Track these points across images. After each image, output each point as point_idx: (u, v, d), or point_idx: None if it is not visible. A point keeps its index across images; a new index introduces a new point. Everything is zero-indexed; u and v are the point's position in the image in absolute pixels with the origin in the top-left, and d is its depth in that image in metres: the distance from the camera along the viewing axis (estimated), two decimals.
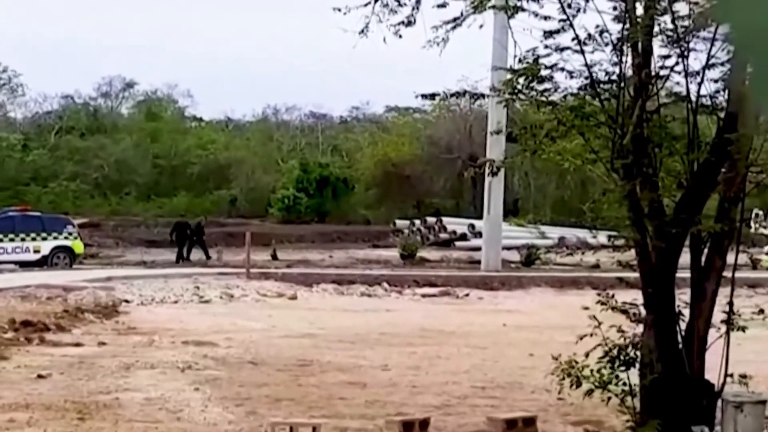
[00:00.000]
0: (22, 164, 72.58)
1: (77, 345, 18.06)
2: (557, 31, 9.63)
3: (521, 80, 9.80)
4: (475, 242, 45.47)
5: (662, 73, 9.52)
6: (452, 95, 11.41)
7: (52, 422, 10.85)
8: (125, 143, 75.11)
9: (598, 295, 10.00)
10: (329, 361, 16.44)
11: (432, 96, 11.51)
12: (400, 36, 10.35)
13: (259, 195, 71.54)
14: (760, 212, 37.15)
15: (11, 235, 39.62)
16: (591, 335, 9.58)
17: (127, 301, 26.13)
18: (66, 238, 40.76)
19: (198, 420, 11.19)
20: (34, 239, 39.93)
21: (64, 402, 12.06)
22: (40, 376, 14.05)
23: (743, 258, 9.40)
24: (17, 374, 14.36)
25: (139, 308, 25.51)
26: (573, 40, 9.52)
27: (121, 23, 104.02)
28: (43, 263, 38.87)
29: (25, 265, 38.32)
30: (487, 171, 11.10)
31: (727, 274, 9.67)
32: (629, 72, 9.41)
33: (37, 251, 39.73)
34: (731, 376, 9.76)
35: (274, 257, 47.43)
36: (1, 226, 39.91)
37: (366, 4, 10.22)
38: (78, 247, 41.17)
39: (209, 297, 28.41)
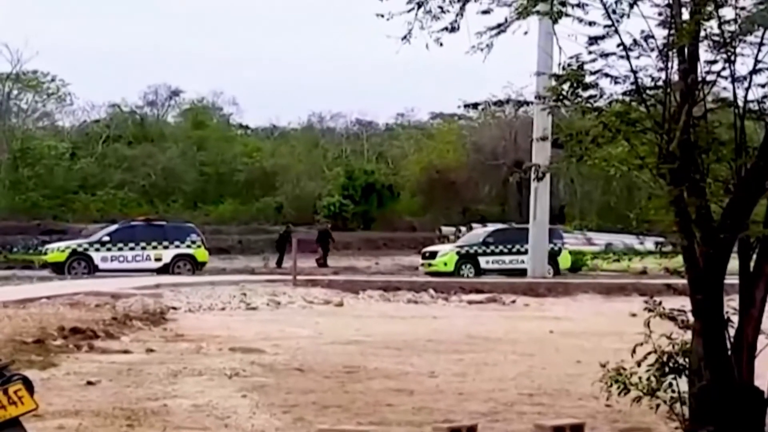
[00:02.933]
0: (70, 172, 73.22)
1: (125, 352, 18.19)
2: (602, 37, 9.58)
3: (566, 86, 9.76)
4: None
5: (709, 78, 9.46)
6: (495, 103, 11.45)
7: (101, 429, 10.93)
8: (172, 151, 75.60)
9: (646, 302, 9.94)
10: (376, 368, 16.46)
11: (476, 105, 11.54)
12: (441, 44, 10.32)
13: (305, 202, 71.80)
14: None
15: (131, 244, 40.62)
16: (642, 344, 9.53)
17: (174, 308, 26.30)
18: (189, 246, 41.89)
19: (245, 427, 11.23)
20: (155, 247, 40.98)
21: (112, 409, 12.14)
22: (89, 383, 14.15)
23: None
24: (66, 381, 14.48)
25: (186, 315, 25.66)
26: (618, 45, 9.48)
27: (166, 32, 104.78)
28: (164, 271, 39.70)
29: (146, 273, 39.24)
30: (532, 176, 11.05)
31: None
32: (675, 77, 9.36)
33: (158, 259, 40.94)
34: None
35: (321, 264, 47.61)
36: (123, 235, 41.22)
37: (409, 11, 10.21)
38: (201, 255, 42.25)
39: (256, 304, 28.54)
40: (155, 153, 75.23)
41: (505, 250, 43.58)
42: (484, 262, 43.18)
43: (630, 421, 11.25)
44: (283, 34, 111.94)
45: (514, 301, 32.01)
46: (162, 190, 74.20)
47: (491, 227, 46.47)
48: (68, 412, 11.89)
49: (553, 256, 43.72)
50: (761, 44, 9.10)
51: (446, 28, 10.27)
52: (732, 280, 9.51)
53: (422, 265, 44.50)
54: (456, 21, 10.20)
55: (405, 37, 10.39)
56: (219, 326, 22.97)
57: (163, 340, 20.42)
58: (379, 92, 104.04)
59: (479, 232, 46.18)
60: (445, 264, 42.86)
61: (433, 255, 44.07)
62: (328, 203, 68.83)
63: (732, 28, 9.16)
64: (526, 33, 10.14)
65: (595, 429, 11.12)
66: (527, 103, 12.18)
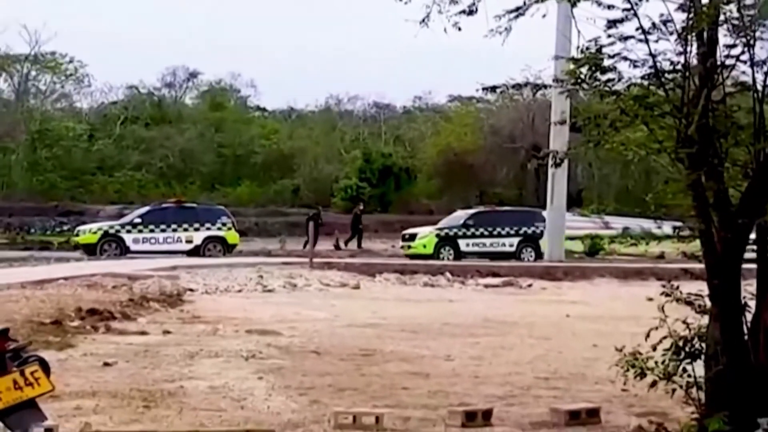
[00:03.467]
0: (88, 154, 73.43)
1: (142, 333, 18.23)
2: (621, 21, 9.54)
3: (584, 70, 9.73)
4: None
5: (728, 62, 9.41)
6: (514, 86, 11.37)
7: (118, 410, 10.96)
8: (189, 133, 75.74)
9: (663, 286, 9.91)
10: (392, 351, 16.47)
11: (494, 88, 11.46)
12: (459, 28, 10.29)
13: (322, 185, 71.89)
14: None
15: (163, 226, 41.03)
16: (657, 328, 9.51)
17: (191, 290, 26.38)
18: (219, 228, 42.33)
19: (261, 408, 11.25)
20: (186, 230, 41.51)
21: (129, 390, 12.18)
22: (106, 364, 14.20)
23: None
24: (84, 362, 14.53)
25: (203, 297, 25.72)
26: (637, 29, 9.43)
27: (185, 14, 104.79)
28: (195, 253, 40.06)
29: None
30: (550, 162, 11.02)
31: None
32: (694, 61, 9.31)
33: (189, 241, 41.40)
34: None
35: (337, 247, 47.66)
36: (154, 217, 41.72)
37: None
38: (232, 237, 42.71)
39: (273, 286, 28.59)
40: (173, 135, 75.38)
41: (486, 233, 43.14)
42: (464, 244, 42.76)
43: (646, 405, 11.24)
44: (301, 17, 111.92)
45: (530, 285, 32.00)
46: (179, 171, 74.38)
47: (473, 210, 45.90)
48: (85, 393, 11.93)
49: (534, 240, 43.35)
50: None
51: (464, 12, 10.24)
52: (750, 264, 9.48)
53: (402, 247, 44.22)
54: (474, 4, 10.17)
55: (423, 20, 10.37)
56: (235, 308, 23.01)
57: (180, 321, 20.47)
58: (397, 75, 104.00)
59: (460, 214, 45.58)
60: (425, 246, 42.48)
61: (412, 237, 43.66)
62: (345, 186, 68.86)
63: (751, 12, 9.11)
64: (544, 16, 10.10)
65: (611, 413, 11.10)
66: (545, 86, 12.09)
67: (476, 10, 10.19)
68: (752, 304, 9.47)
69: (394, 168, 71.22)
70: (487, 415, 10.67)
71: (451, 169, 70.15)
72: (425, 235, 43.25)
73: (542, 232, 43.50)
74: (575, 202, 56.10)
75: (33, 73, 77.14)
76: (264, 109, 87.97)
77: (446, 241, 42.83)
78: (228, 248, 41.91)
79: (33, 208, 62.45)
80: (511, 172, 69.28)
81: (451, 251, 42.39)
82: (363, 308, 23.79)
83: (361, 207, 51.94)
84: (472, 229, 43.19)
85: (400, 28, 10.68)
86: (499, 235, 43.13)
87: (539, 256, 42.57)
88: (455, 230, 43.29)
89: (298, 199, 70.89)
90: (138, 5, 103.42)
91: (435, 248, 42.35)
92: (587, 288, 31.89)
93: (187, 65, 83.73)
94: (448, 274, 32.97)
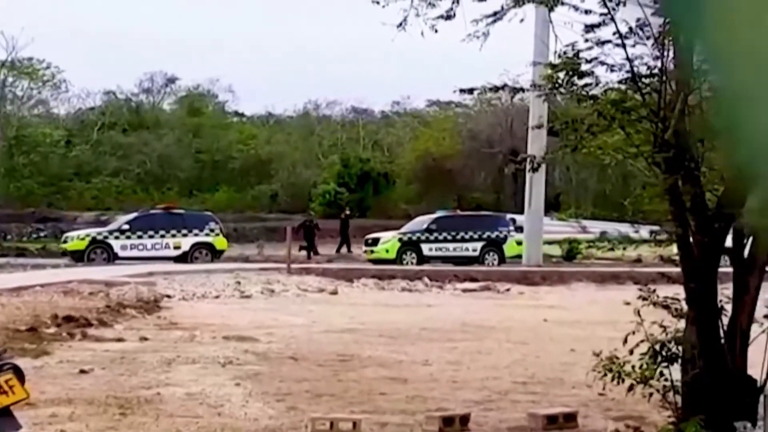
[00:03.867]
0: (66, 160, 73.09)
1: (119, 340, 18.16)
2: (598, 25, 9.57)
3: (561, 75, 9.75)
4: None
5: (704, 66, 9.44)
6: (491, 89, 11.38)
7: (94, 417, 10.91)
8: (167, 138, 75.51)
9: (640, 290, 9.93)
10: (370, 356, 16.45)
11: (470, 90, 11.48)
12: (436, 31, 10.30)
13: (300, 190, 71.73)
14: None
15: (151, 232, 40.92)
16: (634, 332, 9.52)
17: (168, 297, 26.27)
18: (207, 234, 42.28)
19: (239, 415, 11.21)
20: (174, 236, 41.39)
21: (105, 397, 12.12)
22: (82, 371, 14.13)
23: None
24: (59, 369, 14.46)
25: (180, 303, 25.63)
26: (614, 34, 9.46)
27: (162, 19, 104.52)
28: (183, 259, 39.96)
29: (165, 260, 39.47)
30: (527, 167, 11.04)
31: None
32: (671, 66, 9.33)
33: (177, 247, 41.32)
34: None
35: (315, 252, 47.57)
36: (142, 223, 41.62)
37: None
38: (220, 243, 42.65)
39: (250, 292, 28.51)
40: (151, 140, 75.13)
41: (449, 238, 42.96)
42: (426, 249, 42.59)
43: (623, 409, 11.25)
44: (279, 22, 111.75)
45: (508, 290, 32.01)
46: (157, 177, 74.13)
47: (436, 214, 45.75)
48: (61, 400, 11.87)
49: (498, 244, 43.21)
50: None
51: (442, 16, 10.25)
52: (726, 268, 9.50)
53: (365, 251, 44.12)
54: (452, 8, 10.19)
55: (401, 24, 10.37)
56: (213, 314, 22.95)
57: (157, 328, 20.39)
58: (375, 80, 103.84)
59: (423, 219, 45.37)
60: (387, 251, 42.30)
61: (375, 242, 43.36)
62: (324, 191, 68.76)
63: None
64: (522, 21, 10.13)
65: (588, 417, 11.11)
66: (522, 89, 12.11)
67: (454, 14, 10.21)
68: (729, 307, 9.49)
69: (373, 173, 71.18)
70: (465, 420, 10.67)
71: (430, 173, 70.14)
72: (388, 240, 43.08)
73: (506, 236, 43.44)
74: (553, 206, 56.13)
75: (10, 79, 76.75)
76: (242, 115, 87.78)
77: (409, 245, 42.70)
78: (216, 254, 41.87)
79: (10, 215, 62.12)
80: (489, 177, 69.31)
81: (414, 256, 42.28)
82: (341, 314, 23.75)
83: (348, 212, 51.76)
84: (435, 234, 43.04)
85: (378, 32, 10.67)
86: (463, 240, 43.03)
87: (503, 260, 42.48)
88: (418, 235, 43.16)
89: (276, 205, 70.74)
90: (116, 11, 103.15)
91: (398, 253, 42.21)
92: (565, 292, 31.93)
93: (164, 71, 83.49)
94: (426, 279, 32.95)
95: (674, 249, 9.79)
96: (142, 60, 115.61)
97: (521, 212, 45.23)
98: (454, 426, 10.46)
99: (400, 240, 42.86)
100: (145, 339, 18.35)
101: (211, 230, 42.41)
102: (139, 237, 41.22)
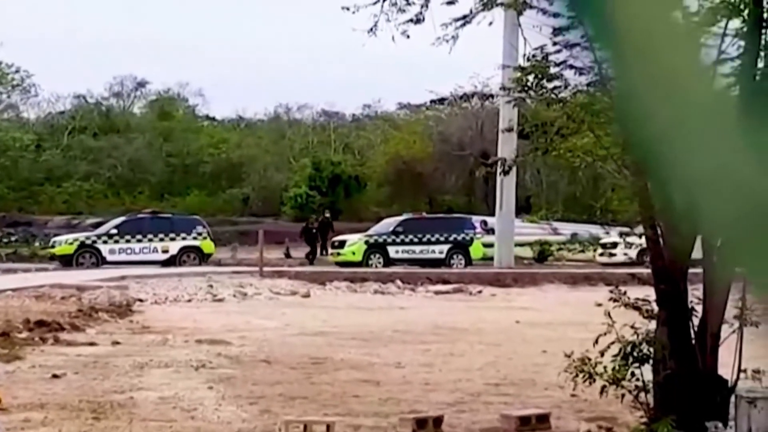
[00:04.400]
0: (36, 164, 72.74)
1: (91, 344, 18.11)
2: (567, 28, 9.60)
3: (531, 77, 9.80)
4: None
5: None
6: (461, 97, 11.50)
7: (67, 422, 10.89)
8: (138, 142, 75.27)
9: (611, 291, 9.99)
10: (342, 359, 16.47)
11: (442, 101, 11.54)
12: (408, 36, 10.36)
13: (272, 193, 71.65)
14: None
15: (139, 236, 40.99)
16: (605, 333, 9.57)
17: (141, 300, 26.21)
18: (195, 238, 42.33)
19: (212, 419, 11.22)
20: (162, 240, 41.48)
21: (78, 401, 12.10)
22: (54, 376, 14.09)
23: None
24: (32, 374, 14.41)
25: (152, 307, 25.58)
26: (582, 37, 9.49)
27: (132, 23, 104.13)
28: (171, 263, 39.93)
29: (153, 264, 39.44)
30: (498, 170, 11.09)
31: (740, 269, 9.65)
32: None
33: (165, 251, 41.37)
34: (744, 371, 9.76)
35: (288, 255, 47.54)
36: (130, 227, 41.64)
37: (375, 3, 10.25)
38: (208, 246, 42.69)
39: (223, 295, 28.48)
40: (121, 144, 74.89)
41: (416, 240, 42.97)
42: (393, 251, 42.60)
43: (595, 410, 11.31)
44: (249, 25, 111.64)
45: (480, 292, 32.09)
46: (128, 181, 73.90)
47: (402, 217, 45.77)
48: (34, 405, 11.83)
49: (464, 246, 43.17)
50: (724, 35, 9.15)
51: (412, 20, 10.31)
52: (696, 269, 9.57)
53: (331, 254, 44.12)
54: (421, 12, 10.25)
55: (371, 29, 10.42)
56: (185, 318, 22.92)
57: (130, 332, 20.35)
58: (346, 83, 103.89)
59: (389, 221, 45.34)
60: (353, 253, 42.27)
61: (342, 244, 43.35)
62: (295, 194, 68.70)
63: (695, 19, 9.20)
64: (491, 24, 10.20)
65: (561, 418, 11.17)
66: (492, 96, 12.21)
67: (423, 18, 10.27)
68: (699, 308, 9.56)
69: (344, 176, 71.18)
70: (438, 422, 10.70)
71: (401, 176, 70.21)
72: (354, 242, 43.04)
73: (472, 239, 43.46)
74: (524, 208, 56.29)
75: None
76: (213, 118, 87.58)
77: (375, 248, 42.69)
78: (204, 257, 41.86)
79: None
80: (460, 180, 69.43)
81: (381, 258, 42.29)
82: (313, 316, 23.76)
83: (327, 215, 51.63)
84: (402, 236, 43.03)
85: (348, 36, 10.71)
86: (429, 242, 43.05)
87: (469, 262, 42.51)
88: (384, 237, 43.15)
89: (248, 208, 70.62)
90: (85, 15, 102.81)
91: (364, 255, 42.20)
92: (536, 294, 32.03)
93: (134, 74, 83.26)
94: (398, 282, 33.00)
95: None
96: (111, 64, 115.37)
97: (492, 214, 45.33)
98: (427, 428, 10.49)
99: (366, 242, 42.85)
100: (118, 343, 18.31)
101: (199, 234, 42.46)
102: (128, 241, 41.24)
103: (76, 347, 17.63)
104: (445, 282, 33.45)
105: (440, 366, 15.81)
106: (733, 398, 9.53)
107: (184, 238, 41.71)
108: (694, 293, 9.64)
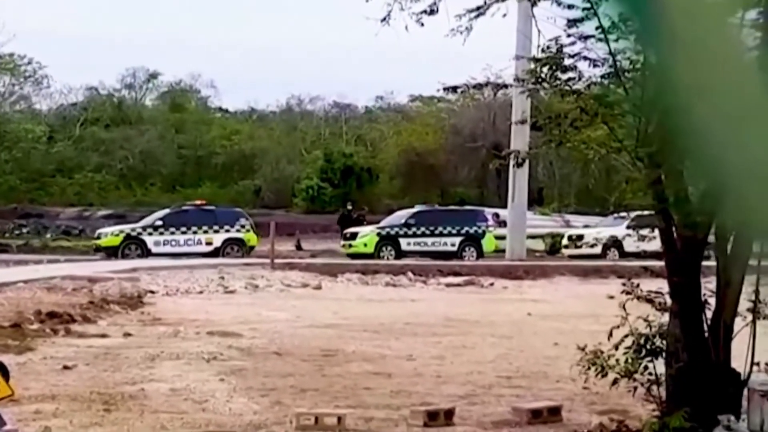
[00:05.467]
0: (48, 156, 72.85)
1: (103, 336, 18.12)
2: (581, 20, 9.57)
3: (545, 69, 9.75)
4: None
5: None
6: (475, 87, 11.42)
7: (78, 413, 10.89)
8: (150, 134, 75.34)
9: (623, 284, 9.95)
10: (354, 351, 16.45)
11: (455, 89, 11.50)
12: (422, 24, 10.32)
13: (284, 185, 71.65)
14: None
15: (183, 228, 41.25)
16: (618, 326, 9.53)
17: (152, 292, 26.23)
18: (238, 230, 42.54)
19: (223, 410, 11.21)
20: (206, 232, 41.75)
21: (89, 393, 12.10)
22: (65, 367, 14.10)
23: None
24: (43, 365, 14.42)
25: (164, 299, 25.60)
26: (597, 28, 9.46)
27: (144, 14, 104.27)
28: (215, 255, 40.09)
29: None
30: (511, 162, 11.05)
31: (753, 262, 9.62)
32: (653, 60, 9.34)
33: (209, 243, 41.68)
34: (757, 364, 9.71)
35: (299, 247, 47.55)
36: (175, 219, 41.95)
37: None
38: (251, 239, 42.68)
39: (234, 287, 28.49)
40: (133, 136, 74.95)
41: (428, 232, 42.93)
42: (405, 243, 42.53)
43: (607, 403, 11.28)
44: (261, 17, 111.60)
45: (492, 284, 32.04)
46: (140, 173, 73.98)
47: (414, 209, 45.76)
48: (45, 396, 11.84)
49: (476, 239, 43.15)
50: (741, 26, 9.08)
51: (426, 11, 10.26)
52: (710, 262, 9.53)
53: (343, 246, 44.13)
54: (435, 3, 10.19)
55: (384, 18, 10.38)
56: (196, 310, 22.92)
57: (141, 323, 20.37)
58: (358, 75, 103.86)
59: (401, 213, 45.30)
60: (365, 245, 42.20)
61: (354, 236, 43.25)
62: (307, 186, 68.68)
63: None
64: (504, 15, 10.15)
65: (573, 411, 11.14)
66: (506, 85, 12.15)
67: (437, 9, 10.22)
68: (712, 301, 9.52)
69: (356, 168, 71.11)
70: (449, 414, 10.68)
71: (413, 168, 70.14)
72: (366, 234, 43.01)
73: (484, 231, 43.42)
74: (536, 200, 56.19)
75: None
76: (225, 110, 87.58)
77: (387, 240, 42.65)
78: (246, 250, 41.97)
79: None
80: (472, 172, 69.33)
81: (392, 250, 42.25)
82: (325, 309, 23.75)
83: (350, 207, 51.51)
84: (414, 229, 43.01)
85: (361, 27, 10.67)
86: (441, 235, 43.01)
87: (481, 255, 42.47)
88: (396, 229, 43.12)
89: (260, 200, 70.64)
90: (97, 6, 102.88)
91: (376, 247, 42.17)
92: (548, 286, 31.98)
93: (147, 66, 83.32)
94: (409, 274, 32.97)
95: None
96: (124, 56, 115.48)
97: (505, 207, 45.26)
98: (439, 420, 10.47)
99: (378, 234, 42.83)
100: (129, 335, 18.32)
101: (242, 226, 42.60)
102: (172, 233, 41.51)
103: (87, 339, 17.64)
104: (457, 274, 33.40)
105: (452, 358, 15.79)
106: (745, 391, 9.48)
107: (227, 231, 41.84)
108: (707, 286, 9.60)
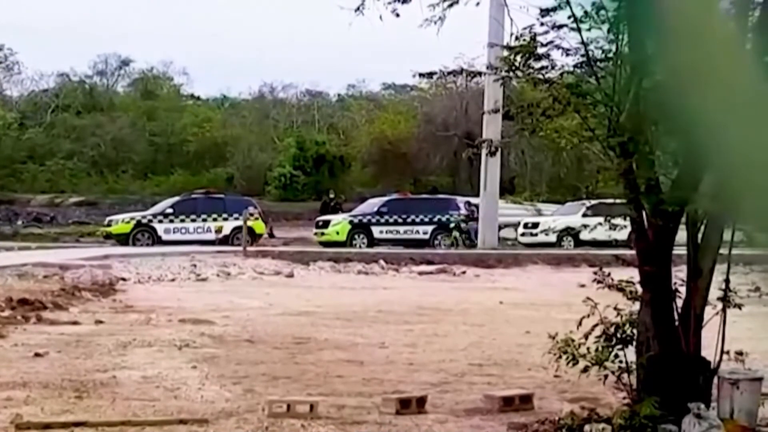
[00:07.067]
0: (19, 142, 72.52)
1: (74, 323, 18.07)
2: (554, 9, 9.59)
3: (518, 58, 9.77)
4: None
5: (655, 50, 9.48)
6: (449, 73, 11.42)
7: (50, 400, 10.86)
8: (121, 121, 75.10)
9: (594, 273, 9.99)
10: (326, 339, 16.47)
11: (429, 75, 11.51)
12: (398, 15, 10.31)
13: (256, 173, 71.57)
14: None
15: (193, 216, 41.22)
16: (589, 315, 9.57)
17: (124, 279, 26.16)
18: (247, 219, 42.15)
19: (195, 398, 11.20)
20: (215, 220, 41.72)
21: (61, 380, 12.07)
22: (37, 355, 14.06)
23: (739, 235, 9.36)
24: (14, 352, 14.38)
25: (136, 286, 25.54)
26: (569, 17, 9.49)
27: (117, 1, 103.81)
28: (224, 243, 40.12)
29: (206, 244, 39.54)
30: (484, 151, 11.07)
31: (724, 251, 9.67)
32: (625, 50, 9.38)
33: (218, 231, 41.54)
34: (727, 353, 9.79)
35: (271, 235, 47.50)
36: (185, 207, 41.99)
37: None
38: (259, 227, 42.73)
39: (206, 275, 28.46)
40: (104, 123, 74.69)
41: (400, 221, 43.01)
42: (377, 231, 42.62)
43: (578, 391, 11.33)
44: (234, 4, 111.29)
45: (464, 272, 32.11)
46: (111, 160, 73.73)
47: (386, 197, 45.78)
48: (16, 383, 11.81)
49: (448, 227, 43.23)
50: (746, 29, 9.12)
51: (399, 0, 10.25)
52: (680, 251, 9.57)
53: (315, 233, 44.13)
54: None
55: (358, 8, 10.37)
56: (169, 297, 22.89)
57: (112, 311, 20.32)
58: (331, 63, 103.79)
59: (374, 201, 45.36)
60: (338, 233, 42.28)
61: (326, 224, 43.35)
62: (279, 174, 68.64)
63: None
64: (478, 4, 10.17)
65: (544, 399, 11.18)
66: (479, 73, 12.15)
67: None
68: (682, 290, 9.57)
69: (328, 156, 71.07)
70: (422, 402, 10.71)
71: (385, 157, 70.16)
72: (338, 222, 43.03)
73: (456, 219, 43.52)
74: (508, 189, 56.30)
75: None
76: (197, 97, 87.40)
77: (360, 228, 42.69)
78: (255, 237, 41.89)
79: None
80: (444, 160, 69.40)
81: (365, 238, 42.30)
82: (297, 296, 23.76)
83: (332, 195, 51.45)
84: (386, 217, 43.06)
85: (333, 15, 10.65)
86: (413, 223, 43.11)
87: (453, 243, 42.61)
88: (369, 217, 43.17)
89: (232, 188, 70.57)
90: None
91: (348, 235, 42.22)
92: (520, 275, 32.08)
93: (119, 53, 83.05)
94: (382, 262, 33.01)
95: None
96: (96, 43, 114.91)
97: (477, 195, 45.33)
98: (411, 408, 10.49)
99: (350, 222, 42.87)
100: (101, 322, 18.28)
101: (251, 214, 42.57)
102: (182, 221, 41.63)
103: (58, 326, 17.59)
104: (429, 263, 33.47)
105: (424, 346, 15.83)
106: (715, 380, 9.55)
107: (236, 219, 41.80)
108: (678, 275, 9.65)
